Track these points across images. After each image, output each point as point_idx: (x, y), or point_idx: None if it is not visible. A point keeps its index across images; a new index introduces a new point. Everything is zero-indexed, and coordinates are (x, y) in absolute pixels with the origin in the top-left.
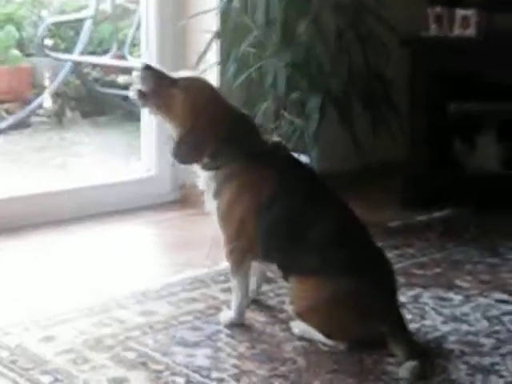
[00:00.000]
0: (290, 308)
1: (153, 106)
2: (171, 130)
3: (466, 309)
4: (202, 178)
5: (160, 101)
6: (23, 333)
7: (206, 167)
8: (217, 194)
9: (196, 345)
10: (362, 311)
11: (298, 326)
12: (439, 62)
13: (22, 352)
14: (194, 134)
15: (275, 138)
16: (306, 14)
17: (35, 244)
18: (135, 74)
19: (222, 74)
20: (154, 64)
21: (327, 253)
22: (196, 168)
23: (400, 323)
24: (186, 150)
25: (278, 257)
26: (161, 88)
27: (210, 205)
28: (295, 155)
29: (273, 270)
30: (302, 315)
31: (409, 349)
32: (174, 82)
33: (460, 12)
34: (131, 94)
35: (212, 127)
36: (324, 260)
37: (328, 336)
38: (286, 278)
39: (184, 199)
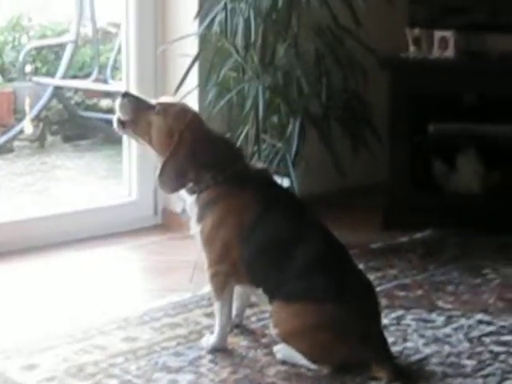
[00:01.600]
0: (273, 331)
1: (132, 133)
2: (155, 158)
3: (448, 330)
4: (187, 201)
5: (139, 128)
6: (5, 361)
7: (189, 191)
8: (200, 218)
9: (179, 371)
10: (346, 336)
11: (281, 351)
12: (418, 84)
13: (4, 380)
14: (174, 160)
15: (258, 163)
16: (285, 38)
17: (16, 270)
18: (116, 102)
19: (202, 98)
20: (134, 91)
21: (310, 278)
22: (182, 192)
23: (383, 347)
24: (169, 178)
25: (263, 281)
26: (139, 115)
27: (194, 229)
28: (277, 179)
29: (258, 294)
30: (286, 339)
31: (392, 372)
32: (152, 107)
33: (438, 33)
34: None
35: (192, 152)
36: (307, 285)
37: (312, 360)
38: (271, 301)
39: (165, 224)
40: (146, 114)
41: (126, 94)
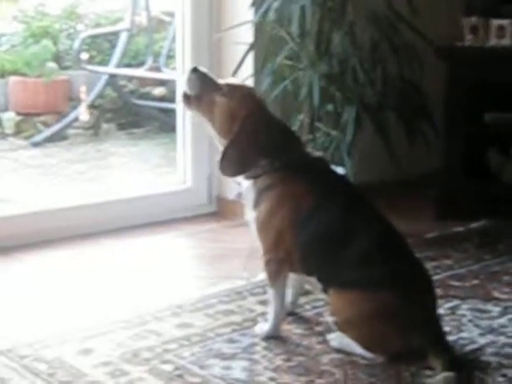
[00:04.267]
0: (329, 319)
1: (196, 109)
2: (216, 140)
3: (503, 321)
4: (243, 186)
5: (203, 105)
6: (61, 345)
7: (246, 176)
8: (256, 204)
9: (233, 357)
10: (402, 324)
11: (336, 339)
12: (475, 73)
13: (60, 365)
14: (236, 145)
15: (316, 152)
16: (341, 26)
17: (72, 257)
18: (184, 75)
19: (257, 86)
20: (202, 68)
21: (367, 266)
22: (239, 178)
23: (439, 336)
24: (231, 162)
25: (318, 269)
26: (205, 92)
27: (249, 215)
28: (334, 169)
29: (311, 282)
30: (342, 327)
31: (447, 362)
32: (219, 87)
33: (495, 22)
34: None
35: (254, 138)
36: (364, 273)
37: (367, 348)
38: (325, 290)
39: (219, 211)
40: (212, 92)
41: (195, 70)
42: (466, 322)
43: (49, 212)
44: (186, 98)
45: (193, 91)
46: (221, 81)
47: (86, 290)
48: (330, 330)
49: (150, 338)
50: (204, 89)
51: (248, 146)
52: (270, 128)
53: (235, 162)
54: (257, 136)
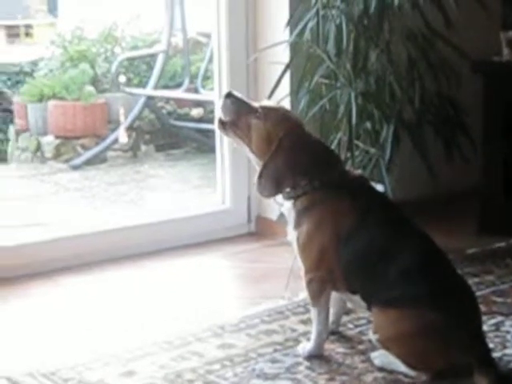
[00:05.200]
0: (373, 337)
1: (233, 134)
2: (254, 163)
3: None
4: (285, 207)
5: (239, 130)
6: (104, 368)
7: (286, 196)
8: (297, 225)
9: (276, 377)
10: (446, 342)
11: (379, 357)
12: None
13: None
14: (272, 165)
15: (354, 170)
16: (377, 44)
17: (111, 279)
18: (219, 102)
19: (295, 105)
20: (236, 92)
21: (410, 283)
22: (279, 197)
23: (485, 353)
24: (267, 183)
25: (361, 288)
26: (240, 117)
27: (291, 235)
28: (374, 187)
29: (354, 301)
30: (385, 344)
31: (494, 380)
32: (254, 111)
33: None
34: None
35: (290, 159)
36: (408, 291)
37: (411, 366)
38: (369, 308)
39: (259, 231)
40: (248, 116)
41: (229, 95)
42: (510, 339)
43: (90, 235)
44: (222, 123)
45: (228, 117)
46: (256, 104)
47: (128, 311)
48: (373, 349)
49: (193, 359)
50: (239, 113)
51: (284, 166)
52: (307, 148)
53: (272, 182)
54: (294, 156)
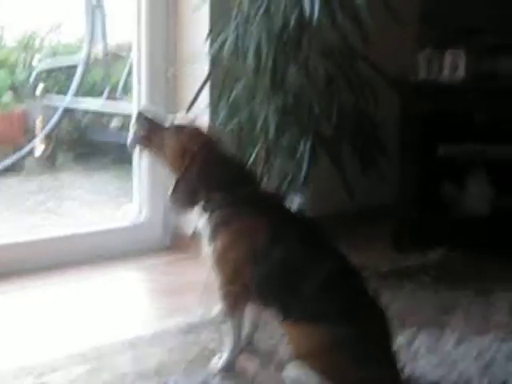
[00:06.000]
0: (286, 351)
1: (147, 150)
2: (168, 176)
3: (459, 352)
4: (200, 221)
5: (153, 146)
6: (15, 381)
7: (201, 210)
8: (212, 239)
9: None
10: (357, 357)
11: (292, 371)
12: (428, 105)
13: None
14: (186, 179)
15: (269, 187)
16: (296, 60)
17: (25, 291)
18: (131, 119)
19: (213, 119)
20: (149, 108)
21: (323, 300)
22: (195, 211)
23: (396, 369)
24: (180, 196)
25: (275, 302)
26: (153, 133)
27: (206, 249)
28: (287, 200)
29: (269, 315)
30: (300, 358)
31: None
32: (166, 127)
33: (449, 54)
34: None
35: (203, 173)
36: (320, 307)
37: (324, 380)
38: (283, 322)
39: (175, 245)
40: (161, 132)
41: (141, 113)
42: (422, 354)
43: (4, 246)
44: (136, 140)
45: (142, 132)
46: (169, 118)
47: (42, 324)
48: (287, 363)
49: (106, 373)
50: (152, 130)
51: (198, 180)
52: (222, 162)
53: (185, 195)
54: (208, 169)
